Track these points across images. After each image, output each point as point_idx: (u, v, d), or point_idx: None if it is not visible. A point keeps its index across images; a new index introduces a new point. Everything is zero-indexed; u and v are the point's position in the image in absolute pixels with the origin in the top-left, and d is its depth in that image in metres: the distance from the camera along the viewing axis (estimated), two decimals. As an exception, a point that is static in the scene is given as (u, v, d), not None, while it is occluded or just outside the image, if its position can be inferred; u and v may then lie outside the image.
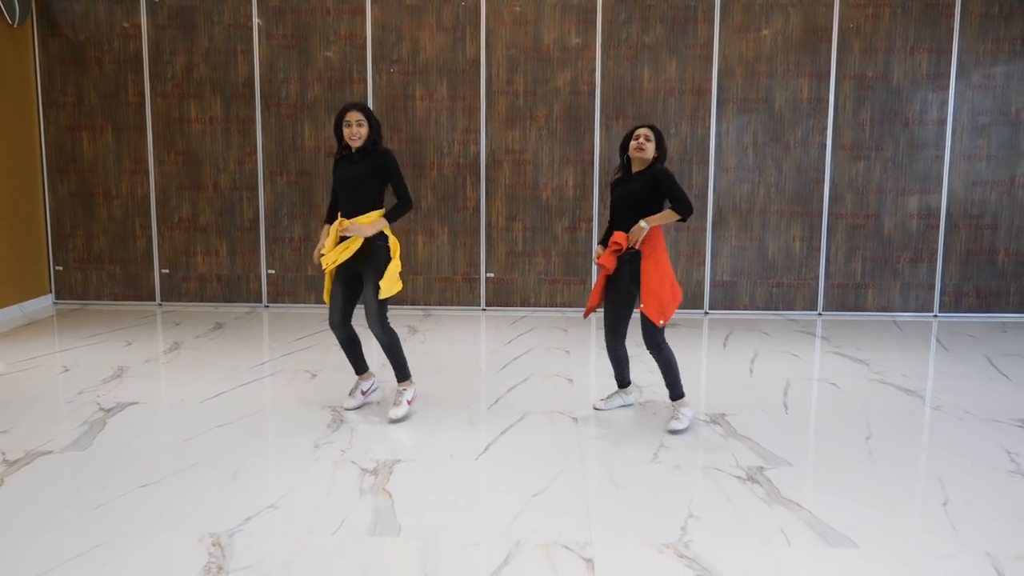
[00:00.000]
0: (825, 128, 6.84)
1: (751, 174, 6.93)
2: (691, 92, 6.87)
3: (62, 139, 7.21)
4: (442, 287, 7.22)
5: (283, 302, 7.27)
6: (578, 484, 3.29)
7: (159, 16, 7.02)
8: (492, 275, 7.15)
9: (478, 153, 7.01)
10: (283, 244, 7.13)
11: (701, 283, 7.07)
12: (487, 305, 7.20)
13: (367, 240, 3.89)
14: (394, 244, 4.01)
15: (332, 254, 3.92)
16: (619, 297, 4.04)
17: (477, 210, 7.08)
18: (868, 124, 6.81)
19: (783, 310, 7.05)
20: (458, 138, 7.01)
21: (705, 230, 7.00)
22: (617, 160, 4.33)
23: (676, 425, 3.94)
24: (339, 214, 3.97)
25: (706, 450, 3.70)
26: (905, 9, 6.69)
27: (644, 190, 3.85)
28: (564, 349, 5.67)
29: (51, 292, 7.40)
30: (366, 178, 3.89)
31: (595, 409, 4.28)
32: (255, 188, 7.14)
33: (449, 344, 5.88)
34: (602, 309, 4.16)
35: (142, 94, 7.11)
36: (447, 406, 4.34)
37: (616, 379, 4.32)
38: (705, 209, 6.97)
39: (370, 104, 7.00)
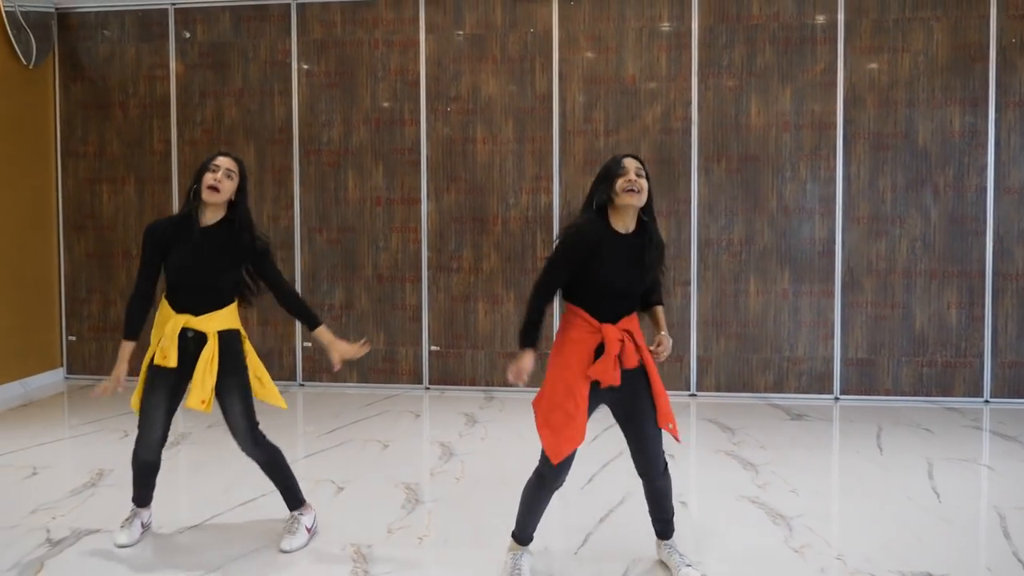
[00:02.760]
0: (984, 167, 5.53)
1: (890, 226, 5.64)
2: (810, 127, 5.67)
3: (81, 192, 6.45)
4: (507, 364, 5.97)
5: (320, 380, 6.20)
6: None
7: (190, 55, 6.25)
8: (568, 350, 5.94)
9: (550, 204, 5.92)
10: (323, 312, 6.08)
11: (829, 361, 5.72)
12: (561, 386, 5.97)
13: (222, 344, 2.98)
14: (251, 351, 3.16)
15: (197, 388, 2.94)
16: (635, 412, 2.74)
17: (549, 272, 5.93)
18: (1042, 161, 5.49)
19: (938, 396, 5.63)
20: (526, 187, 5.94)
21: (833, 295, 5.69)
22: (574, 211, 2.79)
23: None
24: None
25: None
26: (1082, 20, 5.42)
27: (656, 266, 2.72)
28: (667, 454, 4.36)
29: (63, 365, 6.49)
30: (221, 267, 2.99)
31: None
32: (291, 247, 6.18)
33: (516, 441, 4.64)
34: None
35: (168, 141, 6.31)
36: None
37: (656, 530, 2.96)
38: (832, 269, 5.69)
39: (423, 149, 6.02)
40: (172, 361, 2.90)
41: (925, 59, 5.59)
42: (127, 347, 3.00)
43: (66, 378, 6.48)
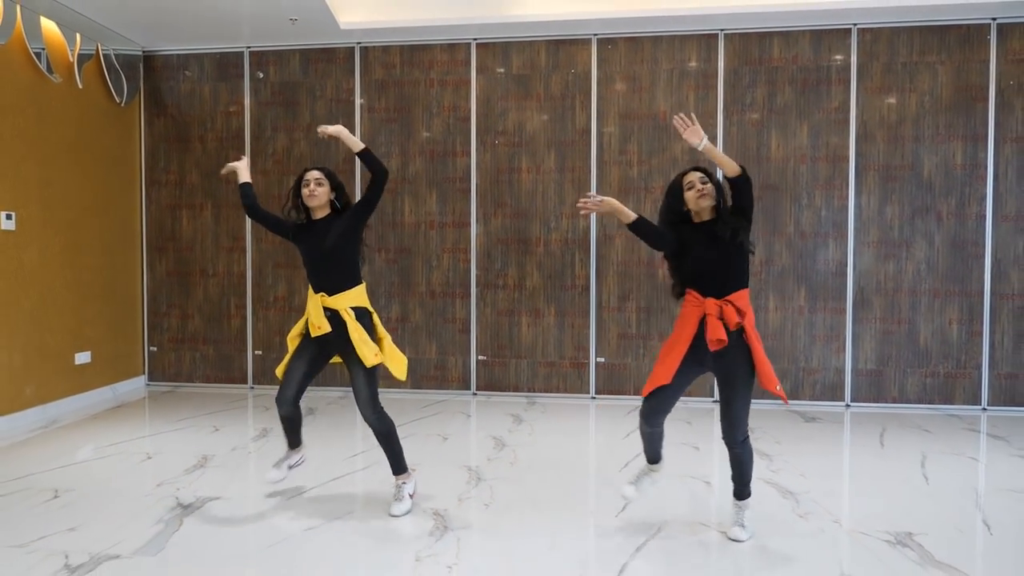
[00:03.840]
0: (984, 197, 6.06)
1: (897, 249, 6.17)
2: (825, 159, 6.23)
3: (163, 217, 7.11)
4: (547, 373, 6.63)
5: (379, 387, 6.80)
6: (747, 624, 2.57)
7: (262, 93, 6.93)
8: (603, 360, 6.53)
9: (587, 228, 6.52)
10: (383, 318, 6.71)
11: (841, 371, 6.25)
12: (597, 393, 6.56)
13: (357, 318, 3.61)
14: (379, 324, 3.77)
15: (363, 347, 3.58)
16: (728, 384, 3.29)
17: (587, 289, 6.53)
18: (1035, 191, 6.01)
19: (940, 404, 6.14)
20: (566, 212, 6.55)
21: (845, 312, 6.23)
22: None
23: (741, 535, 3.33)
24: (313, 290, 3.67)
25: (901, 581, 2.92)
26: (1072, 64, 5.95)
27: (731, 245, 3.25)
28: (692, 445, 4.95)
29: (144, 373, 7.17)
30: (337, 245, 3.59)
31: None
32: (353, 266, 6.80)
33: (559, 436, 5.25)
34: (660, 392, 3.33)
35: (243, 171, 6.95)
36: (566, 514, 3.69)
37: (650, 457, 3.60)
38: (844, 288, 6.22)
39: (473, 177, 6.65)
40: (327, 327, 3.53)
41: (931, 99, 6.14)
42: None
43: (147, 384, 7.15)
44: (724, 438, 3.33)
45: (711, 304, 3.20)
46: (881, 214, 6.19)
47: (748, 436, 3.32)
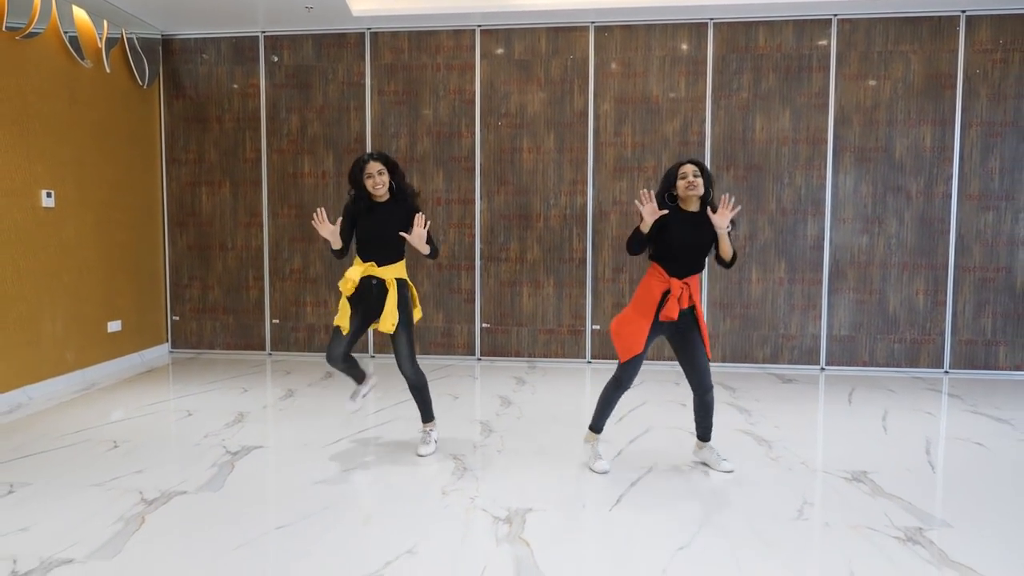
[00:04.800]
0: (950, 177, 6.56)
1: (870, 225, 6.68)
2: (805, 141, 6.71)
3: (183, 194, 7.52)
4: (547, 339, 7.14)
5: (388, 352, 7.31)
6: (723, 539, 3.10)
7: (277, 76, 7.31)
8: (598, 327, 7.04)
9: (585, 204, 6.99)
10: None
11: (817, 337, 6.79)
12: (593, 358, 7.07)
13: (398, 288, 4.08)
14: (415, 294, 4.29)
15: (389, 317, 4.03)
16: (690, 345, 3.84)
17: (583, 262, 7.02)
18: (997, 173, 6.50)
19: (906, 367, 6.69)
20: (565, 189, 7.01)
21: (821, 283, 6.75)
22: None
23: (730, 465, 3.96)
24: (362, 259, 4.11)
25: (854, 508, 3.46)
26: (1033, 54, 6.43)
27: (712, 235, 3.78)
28: (680, 403, 5.48)
29: (167, 341, 7.63)
30: (393, 228, 4.04)
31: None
32: (364, 240, 7.24)
33: (559, 396, 5.77)
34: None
35: (259, 150, 7.37)
36: (569, 457, 4.21)
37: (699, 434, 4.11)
38: (821, 261, 6.74)
39: (477, 157, 7.09)
40: (350, 289, 4.01)
41: (903, 85, 6.61)
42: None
43: (170, 351, 7.63)
44: (697, 388, 3.88)
45: (676, 285, 3.72)
46: (856, 192, 6.68)
47: (713, 385, 3.93)
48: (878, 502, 3.54)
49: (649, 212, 3.64)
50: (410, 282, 4.23)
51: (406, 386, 5.98)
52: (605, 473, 3.90)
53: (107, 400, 5.55)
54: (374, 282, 4.09)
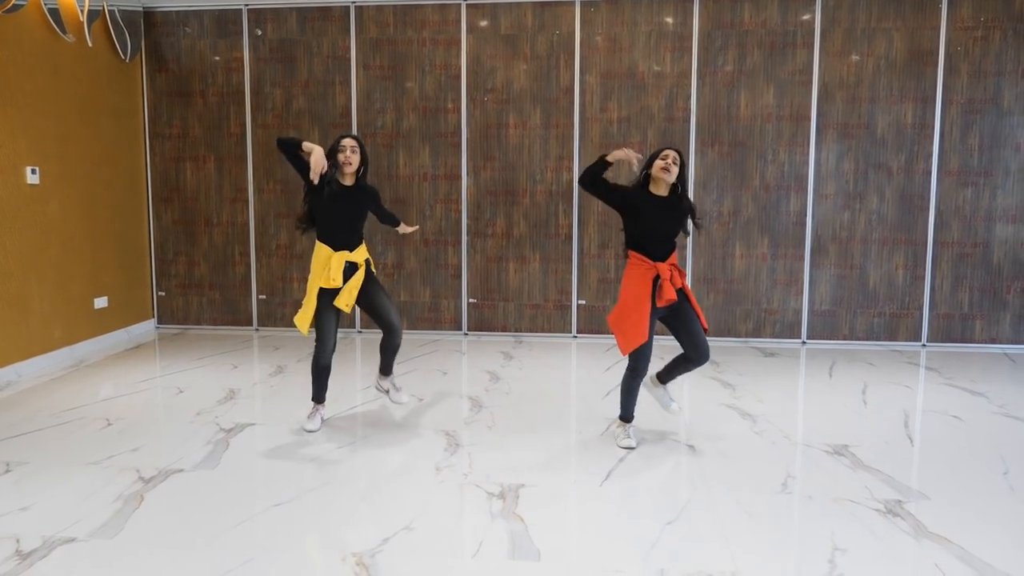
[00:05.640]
0: (930, 154, 6.65)
1: (851, 201, 6.78)
2: (789, 118, 6.77)
3: (167, 169, 7.47)
4: (533, 314, 7.22)
5: (375, 328, 7.33)
6: (709, 513, 3.21)
7: (261, 50, 7.25)
8: (584, 302, 7.12)
9: (571, 180, 7.03)
10: (377, 270, 7.22)
11: (799, 312, 6.91)
12: (578, 332, 7.16)
13: (368, 268, 4.26)
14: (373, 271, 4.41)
15: (346, 295, 4.14)
16: (687, 319, 3.97)
17: (569, 237, 7.08)
18: (977, 150, 6.60)
19: (886, 341, 6.84)
20: (551, 165, 7.04)
21: (803, 258, 6.86)
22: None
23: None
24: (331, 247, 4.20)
25: (835, 481, 3.58)
26: (1017, 32, 6.49)
27: (683, 219, 3.95)
28: (665, 377, 5.58)
29: (154, 317, 7.63)
30: (363, 213, 4.23)
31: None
32: (351, 215, 7.25)
33: (547, 370, 5.86)
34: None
35: (243, 125, 7.33)
36: (558, 432, 4.31)
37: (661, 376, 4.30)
38: (804, 237, 6.84)
39: (463, 132, 7.09)
40: (340, 282, 4.10)
41: (886, 62, 6.67)
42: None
43: (156, 327, 7.63)
44: (699, 360, 3.99)
45: (664, 268, 3.83)
46: (838, 169, 6.77)
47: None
48: (858, 475, 3.66)
49: (623, 155, 3.81)
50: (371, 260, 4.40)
51: (399, 360, 6.07)
52: (630, 449, 4.00)
53: (96, 377, 5.58)
54: (346, 266, 4.20)
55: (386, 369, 4.51)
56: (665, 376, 4.23)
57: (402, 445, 4.08)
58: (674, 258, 3.95)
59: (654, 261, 3.86)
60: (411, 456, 3.90)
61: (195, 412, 4.67)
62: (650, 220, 3.87)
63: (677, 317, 3.96)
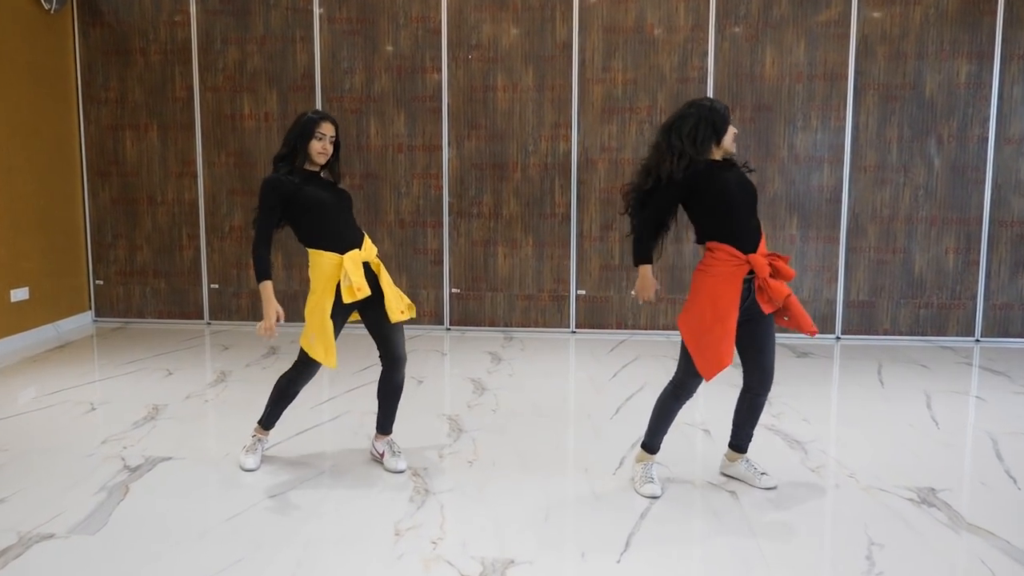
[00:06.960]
0: (987, 119, 5.75)
1: (895, 174, 5.87)
2: (822, 77, 5.84)
3: (104, 139, 6.52)
4: (525, 306, 6.29)
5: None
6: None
7: (210, 1, 6.26)
8: (583, 293, 6.20)
9: (568, 151, 6.09)
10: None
11: (832, 303, 6.01)
12: (578, 327, 6.24)
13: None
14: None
15: (359, 281, 3.16)
16: (763, 332, 3.01)
17: (567, 218, 6.15)
18: (1043, 113, 5.70)
19: (932, 336, 5.95)
20: (545, 134, 6.10)
21: (838, 241, 5.95)
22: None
23: (771, 480, 3.14)
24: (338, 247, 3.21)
25: (935, 552, 2.64)
26: (1088, -26, 5.57)
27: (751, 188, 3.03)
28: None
29: (90, 309, 6.68)
30: (349, 197, 3.40)
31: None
32: (314, 193, 6.32)
33: (541, 378, 4.93)
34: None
35: (190, 88, 6.37)
36: (560, 472, 3.37)
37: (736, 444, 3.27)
38: (838, 216, 5.93)
39: (444, 96, 6.15)
40: (367, 290, 3.14)
41: (935, 11, 5.74)
42: (269, 287, 3.19)
43: (94, 321, 6.68)
44: (758, 386, 3.06)
45: (761, 265, 2.86)
46: (879, 137, 5.86)
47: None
48: (964, 540, 2.72)
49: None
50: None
51: (369, 363, 5.13)
52: (654, 499, 3.05)
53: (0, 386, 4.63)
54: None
55: (385, 427, 3.46)
56: (736, 441, 3.22)
57: (353, 493, 3.14)
58: (764, 244, 2.96)
59: (746, 254, 2.90)
60: (363, 512, 2.96)
61: (100, 440, 3.72)
62: (728, 198, 2.91)
63: (753, 326, 2.98)
